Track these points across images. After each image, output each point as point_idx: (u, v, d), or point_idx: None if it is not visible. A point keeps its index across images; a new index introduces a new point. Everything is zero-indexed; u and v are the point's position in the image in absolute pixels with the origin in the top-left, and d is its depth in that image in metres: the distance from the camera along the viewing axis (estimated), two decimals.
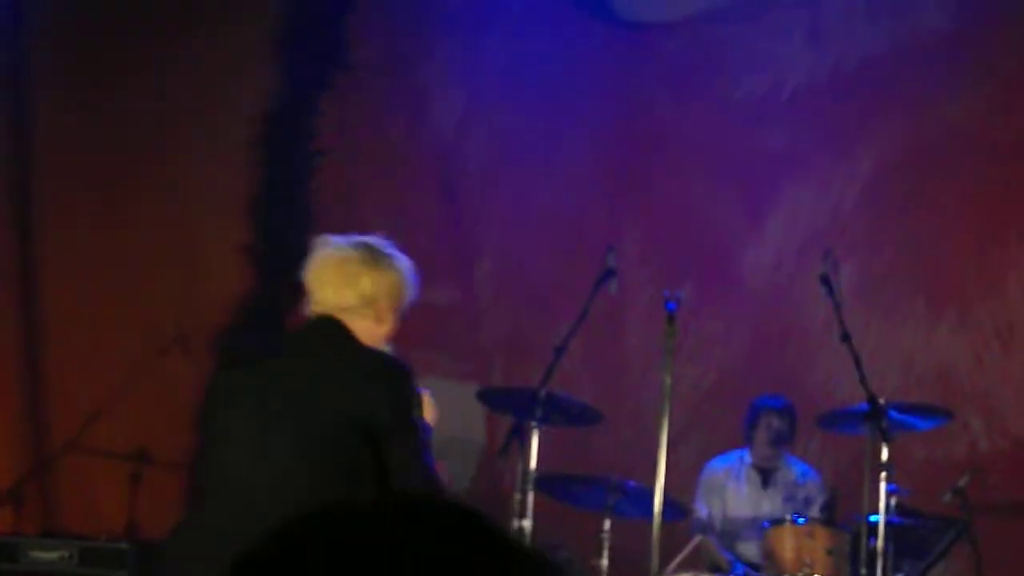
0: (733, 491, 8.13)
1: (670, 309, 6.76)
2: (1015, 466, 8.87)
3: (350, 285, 4.63)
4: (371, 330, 4.65)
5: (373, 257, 4.68)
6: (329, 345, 4.58)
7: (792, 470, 8.14)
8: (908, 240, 9.29)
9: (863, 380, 6.99)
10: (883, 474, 6.90)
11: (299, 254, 10.24)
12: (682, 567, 7.71)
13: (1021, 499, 8.79)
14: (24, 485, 9.57)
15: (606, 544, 7.36)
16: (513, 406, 7.59)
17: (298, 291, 10.49)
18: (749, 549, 7.83)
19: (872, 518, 6.95)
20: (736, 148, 9.62)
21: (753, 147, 9.59)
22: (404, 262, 4.74)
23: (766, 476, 8.11)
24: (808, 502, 7.96)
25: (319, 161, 10.38)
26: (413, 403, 4.54)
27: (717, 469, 8.27)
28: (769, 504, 7.99)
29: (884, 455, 6.90)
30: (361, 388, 4.47)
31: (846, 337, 7.04)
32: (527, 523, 7.30)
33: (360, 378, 4.49)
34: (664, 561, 7.80)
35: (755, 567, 7.50)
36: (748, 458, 8.18)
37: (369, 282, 4.64)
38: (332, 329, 4.61)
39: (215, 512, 4.44)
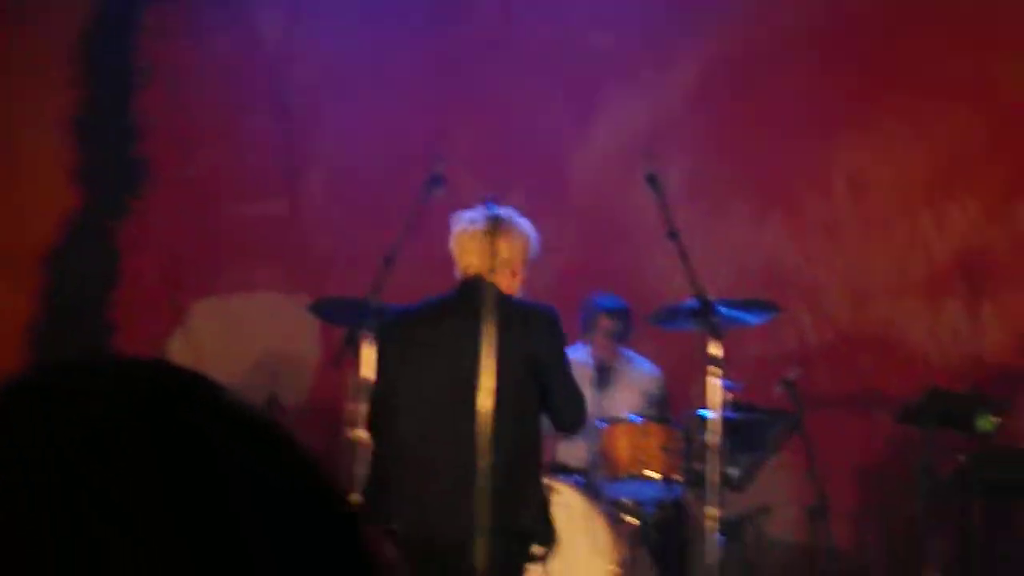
0: None
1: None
2: (842, 358, 9.05)
3: (489, 251, 5.83)
4: (509, 284, 5.97)
5: (503, 225, 5.94)
6: (489, 299, 5.69)
7: (632, 366, 8.18)
8: (735, 139, 9.38)
9: (692, 277, 7.03)
10: (714, 369, 6.95)
11: (125, 171, 10.07)
12: None
13: (848, 390, 8.98)
14: None
15: None
16: (345, 317, 7.54)
17: (124, 208, 10.34)
18: (580, 450, 7.87)
19: (704, 413, 7.01)
20: (561, 51, 9.61)
21: (578, 50, 9.60)
22: (527, 226, 6.07)
23: (605, 375, 8.13)
24: (648, 397, 8.02)
25: (144, 77, 10.18)
26: (565, 340, 5.89)
27: None
28: (609, 402, 8.01)
29: (715, 350, 6.95)
30: (530, 331, 5.75)
31: (673, 235, 7.05)
32: (362, 433, 7.27)
33: (528, 324, 5.78)
34: None
35: (580, 471, 7.53)
36: (587, 356, 8.19)
37: (505, 246, 5.90)
38: (485, 287, 5.76)
39: (423, 437, 5.73)
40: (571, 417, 5.98)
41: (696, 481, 7.08)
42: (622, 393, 8.08)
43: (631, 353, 8.23)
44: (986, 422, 7.53)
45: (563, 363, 5.83)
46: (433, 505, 5.71)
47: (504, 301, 5.80)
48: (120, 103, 10.16)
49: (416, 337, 5.96)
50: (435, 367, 5.81)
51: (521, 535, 5.81)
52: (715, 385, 6.94)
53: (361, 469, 7.27)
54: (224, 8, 10.16)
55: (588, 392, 7.98)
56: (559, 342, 5.86)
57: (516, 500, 5.74)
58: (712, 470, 6.83)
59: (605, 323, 8.11)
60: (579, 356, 8.19)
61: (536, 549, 5.87)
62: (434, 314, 6.03)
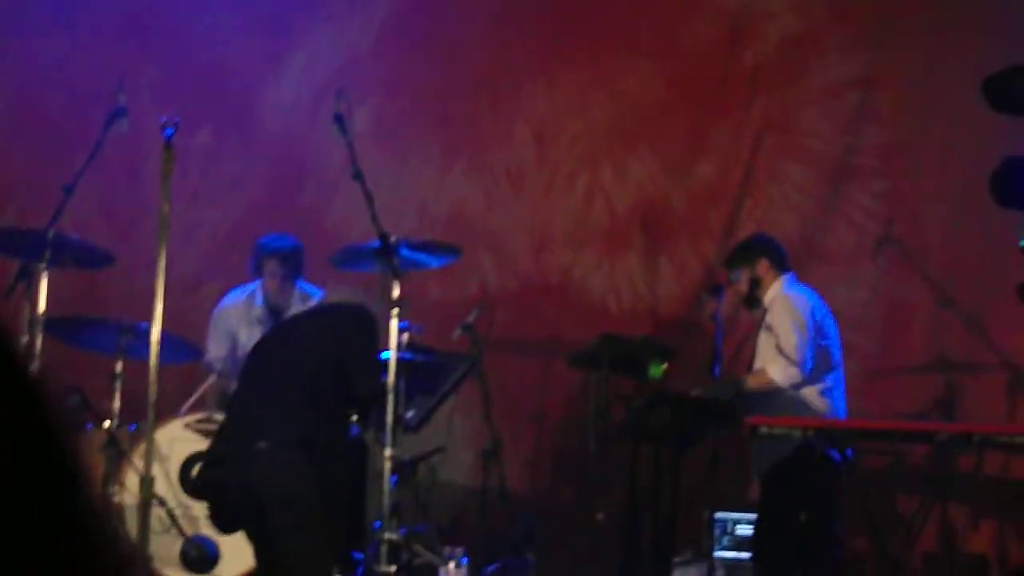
0: (245, 333, 8.10)
1: (167, 135, 6.70)
2: (521, 302, 9.20)
3: None
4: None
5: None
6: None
7: (303, 302, 8.11)
8: (423, 84, 9.42)
9: (374, 218, 7.08)
10: (395, 311, 7.00)
11: None
12: (197, 407, 7.71)
13: (527, 336, 9.14)
14: None
15: (118, 386, 7.29)
16: (21, 249, 7.38)
17: None
18: None
19: (384, 354, 7.06)
20: None
21: None
22: None
23: (277, 316, 8.09)
24: None
25: None
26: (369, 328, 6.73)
27: (228, 310, 8.25)
28: None
29: (395, 292, 7.00)
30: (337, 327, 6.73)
31: (358, 175, 7.11)
32: (35, 366, 7.12)
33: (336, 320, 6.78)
34: (180, 401, 7.79)
35: None
36: (259, 297, 8.17)
37: None
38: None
39: (234, 420, 6.67)
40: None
41: (372, 422, 7.14)
42: None
43: (306, 286, 8.17)
44: (656, 369, 7.76)
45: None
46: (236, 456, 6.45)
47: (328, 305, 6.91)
48: None
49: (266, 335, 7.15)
50: (259, 352, 6.81)
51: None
52: (395, 326, 7.00)
53: None
54: None
55: (258, 333, 7.94)
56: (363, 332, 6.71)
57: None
58: (389, 411, 6.90)
59: (271, 264, 8.08)
60: (253, 298, 8.15)
61: None
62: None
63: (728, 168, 9.20)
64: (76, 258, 7.50)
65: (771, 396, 7.60)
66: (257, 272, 8.14)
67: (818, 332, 7.68)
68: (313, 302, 8.09)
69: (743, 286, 7.83)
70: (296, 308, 8.06)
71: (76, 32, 9.57)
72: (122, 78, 7.84)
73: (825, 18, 9.19)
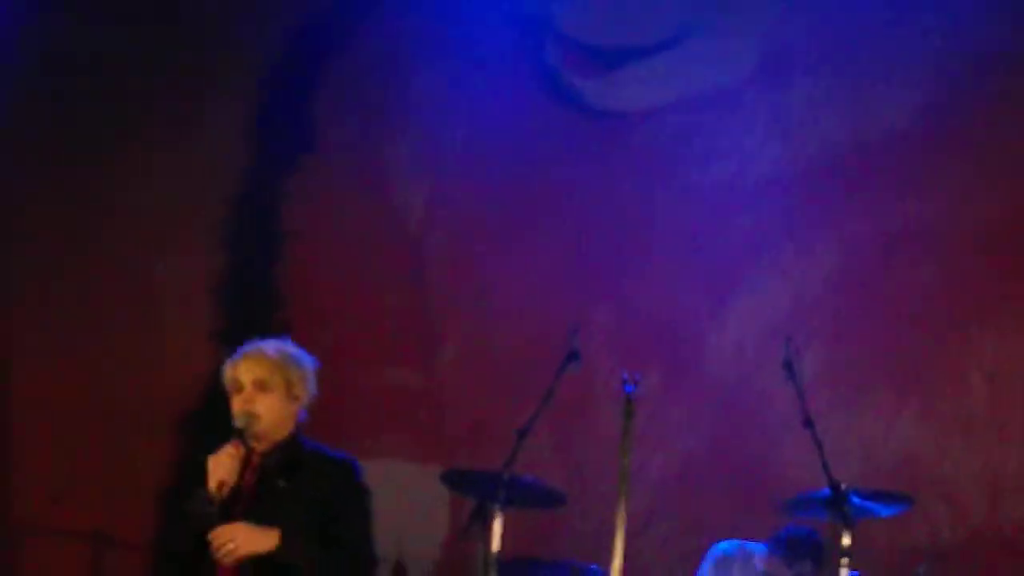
0: None
1: (628, 391, 6.80)
2: (974, 555, 8.88)
3: None
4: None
5: None
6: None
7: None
8: (871, 329, 9.33)
9: (825, 466, 6.99)
10: (845, 560, 6.87)
11: (265, 337, 10.20)
12: None
13: None
14: None
15: None
16: (476, 488, 7.56)
17: None
18: None
19: None
20: (700, 235, 9.67)
21: (717, 234, 9.64)
22: None
23: None
24: None
25: (285, 244, 10.38)
26: None
27: (729, 558, 8.11)
28: None
29: (846, 541, 6.88)
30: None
31: (808, 423, 7.04)
32: None
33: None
34: None
35: None
36: (759, 563, 8.00)
37: None
38: None
39: None
40: None
41: None
42: None
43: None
44: None
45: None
46: None
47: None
48: (262, 269, 10.35)
49: None
50: None
51: None
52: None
53: None
54: (366, 178, 10.34)
55: None
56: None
57: None
58: None
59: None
60: (751, 558, 8.00)
61: None
62: None
63: None
64: (530, 499, 7.64)
65: None
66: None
67: None
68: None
69: None
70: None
71: (528, 273, 9.89)
72: (573, 320, 8.06)
73: None
